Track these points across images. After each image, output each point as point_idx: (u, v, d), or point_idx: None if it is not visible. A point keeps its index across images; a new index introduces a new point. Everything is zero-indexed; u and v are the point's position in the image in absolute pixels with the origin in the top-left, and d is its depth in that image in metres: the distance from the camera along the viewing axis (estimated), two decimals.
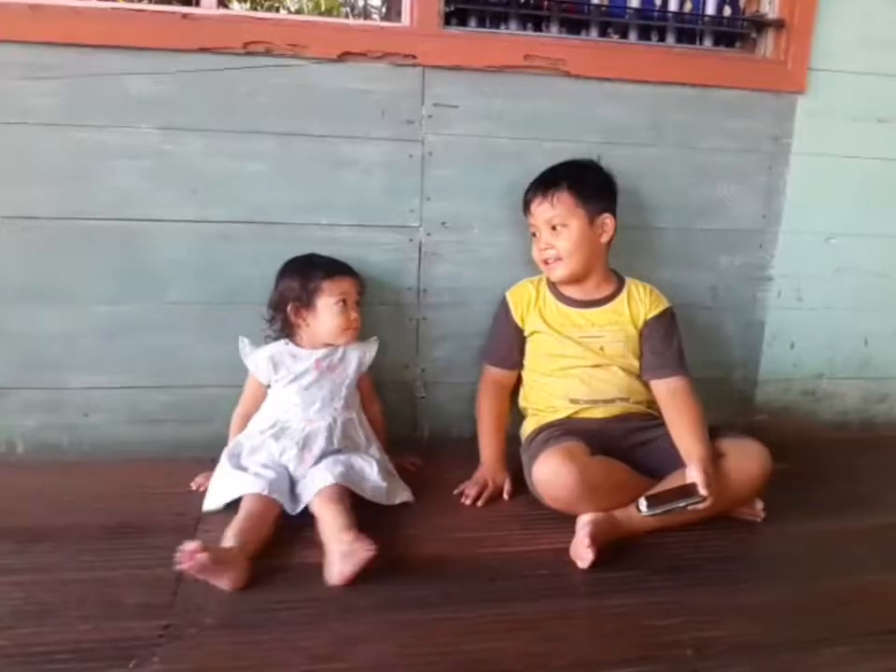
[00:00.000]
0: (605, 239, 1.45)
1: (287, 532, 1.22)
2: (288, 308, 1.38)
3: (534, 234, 1.48)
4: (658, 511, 1.17)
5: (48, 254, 1.44)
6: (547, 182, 1.45)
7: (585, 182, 1.44)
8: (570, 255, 1.43)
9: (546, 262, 1.46)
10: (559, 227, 1.43)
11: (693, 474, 1.20)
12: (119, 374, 1.51)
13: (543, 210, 1.43)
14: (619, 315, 1.47)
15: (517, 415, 1.55)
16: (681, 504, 1.18)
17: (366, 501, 1.27)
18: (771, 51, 1.66)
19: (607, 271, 1.51)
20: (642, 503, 1.18)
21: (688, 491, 1.19)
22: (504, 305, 1.52)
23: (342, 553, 1.08)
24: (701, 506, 1.19)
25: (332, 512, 1.17)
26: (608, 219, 1.45)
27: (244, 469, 1.29)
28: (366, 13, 3.58)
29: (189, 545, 1.02)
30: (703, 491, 1.18)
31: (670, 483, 1.26)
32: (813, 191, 1.72)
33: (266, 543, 1.16)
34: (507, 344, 1.52)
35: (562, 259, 1.43)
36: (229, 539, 1.11)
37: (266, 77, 1.45)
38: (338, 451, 1.35)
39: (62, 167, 1.41)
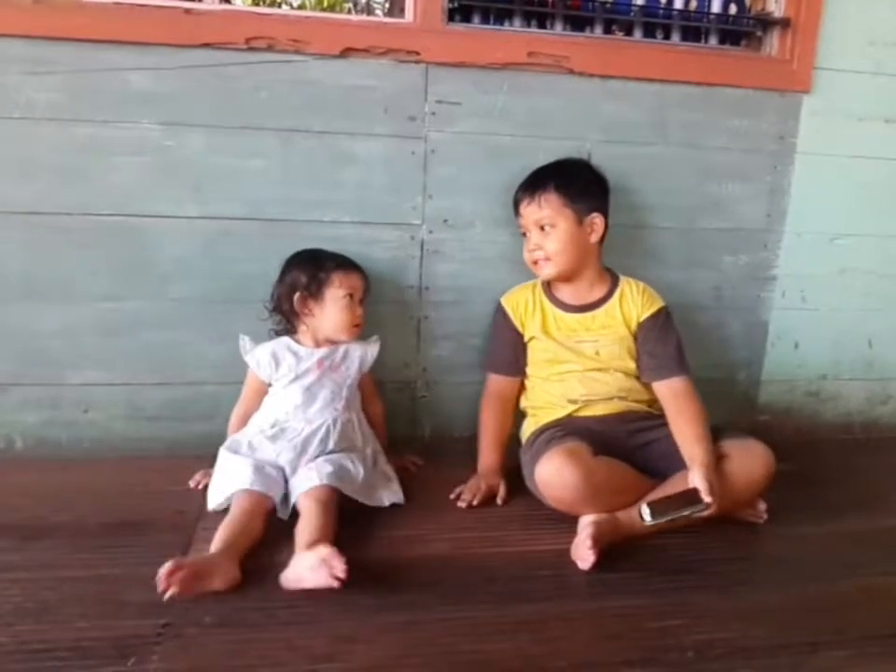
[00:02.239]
0: (594, 238, 1.45)
1: (284, 531, 1.22)
2: (295, 297, 1.37)
3: (524, 235, 1.48)
4: (662, 520, 1.15)
5: (49, 249, 1.44)
6: (535, 183, 1.45)
7: (573, 182, 1.43)
8: (558, 255, 1.42)
9: (535, 262, 1.46)
10: (547, 227, 1.42)
11: (696, 480, 1.19)
12: (119, 371, 1.50)
13: (531, 211, 1.43)
14: (612, 318, 1.46)
15: (517, 415, 1.55)
16: (685, 512, 1.16)
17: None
18: (777, 50, 1.65)
19: (600, 270, 1.50)
20: (645, 512, 1.16)
21: (691, 497, 1.17)
22: (501, 312, 1.52)
23: (311, 564, 1.04)
24: (705, 513, 1.18)
25: (314, 514, 1.16)
26: (597, 219, 1.44)
27: (243, 456, 1.29)
28: (369, 9, 3.56)
29: (165, 566, 0.99)
30: (706, 498, 1.17)
31: (672, 485, 1.26)
32: (818, 191, 1.71)
33: (256, 540, 1.15)
34: (509, 351, 1.51)
35: (550, 259, 1.43)
36: (216, 542, 1.10)
37: (268, 72, 1.44)
38: (332, 452, 1.33)
39: (63, 163, 1.41)
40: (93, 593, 1.03)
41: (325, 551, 1.04)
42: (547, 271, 1.45)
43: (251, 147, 1.46)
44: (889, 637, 1.03)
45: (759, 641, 1.00)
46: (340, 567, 1.02)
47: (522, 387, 1.53)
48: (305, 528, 1.13)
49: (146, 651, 0.91)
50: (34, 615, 0.98)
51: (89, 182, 1.42)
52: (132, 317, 1.49)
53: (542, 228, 1.43)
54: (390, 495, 1.33)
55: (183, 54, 1.40)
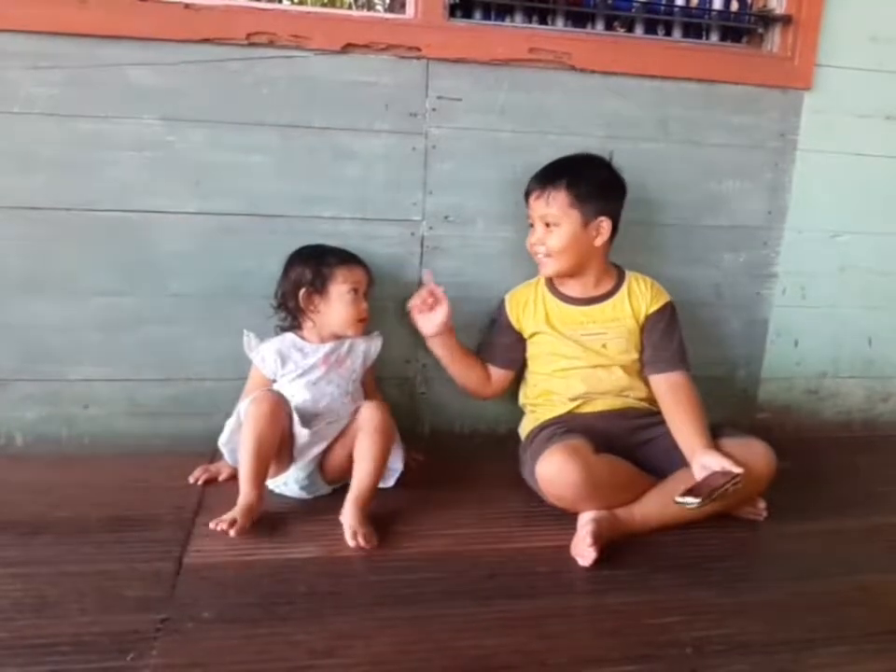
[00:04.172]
0: (599, 242, 1.42)
1: (288, 526, 1.23)
2: (300, 293, 1.36)
3: (531, 225, 1.48)
4: (708, 500, 1.13)
5: (49, 245, 1.43)
6: (547, 177, 1.43)
7: (586, 182, 1.40)
8: (559, 254, 1.42)
9: (536, 255, 1.46)
10: (552, 225, 1.42)
11: (716, 462, 1.20)
12: (119, 367, 1.50)
13: (539, 205, 1.42)
14: (620, 311, 1.46)
15: (517, 412, 1.55)
16: (727, 486, 1.16)
17: None
18: (778, 47, 1.65)
19: (605, 267, 1.49)
20: (687, 500, 1.13)
21: (717, 479, 1.17)
22: (501, 307, 1.53)
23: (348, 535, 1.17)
24: (739, 485, 1.18)
25: (373, 459, 1.26)
26: (604, 222, 1.41)
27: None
28: (370, 4, 3.55)
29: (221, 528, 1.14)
30: (736, 469, 1.17)
31: (674, 482, 1.26)
32: (819, 189, 1.70)
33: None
34: (498, 344, 1.53)
35: (551, 255, 1.43)
36: (246, 480, 1.22)
37: (269, 68, 1.44)
38: None
39: (64, 158, 1.40)
40: (93, 588, 1.03)
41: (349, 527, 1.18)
42: (547, 268, 1.45)
43: (251, 142, 1.46)
44: (886, 634, 1.03)
45: (757, 637, 1.00)
46: (363, 543, 1.16)
47: (516, 379, 1.54)
48: (362, 472, 1.26)
49: (145, 646, 0.92)
50: (33, 610, 0.98)
51: (89, 177, 1.42)
52: (132, 313, 1.48)
53: (547, 224, 1.42)
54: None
55: (183, 49, 1.40)
